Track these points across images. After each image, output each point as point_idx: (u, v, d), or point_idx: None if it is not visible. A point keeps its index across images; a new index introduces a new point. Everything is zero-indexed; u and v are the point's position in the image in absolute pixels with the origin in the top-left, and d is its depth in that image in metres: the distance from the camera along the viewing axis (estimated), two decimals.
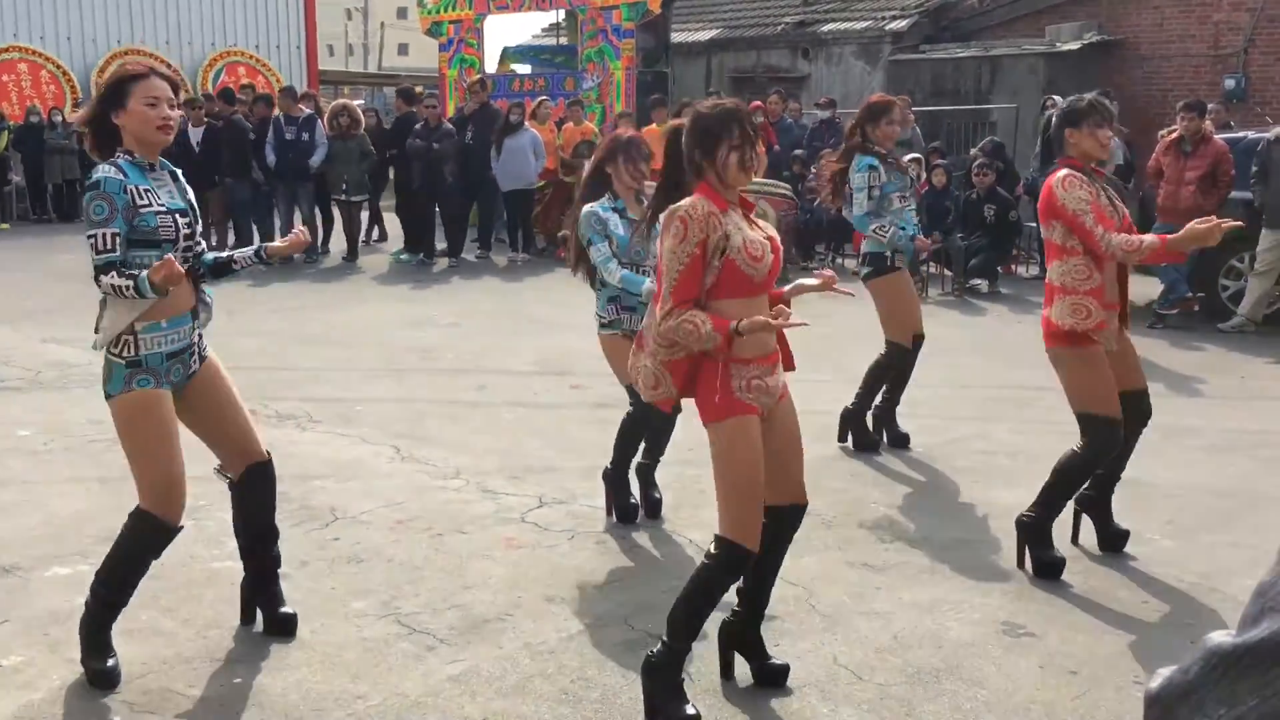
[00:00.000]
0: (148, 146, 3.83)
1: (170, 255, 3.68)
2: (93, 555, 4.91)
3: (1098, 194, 4.67)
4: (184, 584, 4.63)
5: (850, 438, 6.57)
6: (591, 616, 4.40)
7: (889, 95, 6.88)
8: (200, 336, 4.01)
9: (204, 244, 4.07)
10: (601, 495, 5.49)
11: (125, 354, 3.78)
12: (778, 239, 3.71)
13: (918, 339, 6.60)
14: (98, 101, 3.86)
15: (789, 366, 3.79)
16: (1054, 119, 4.85)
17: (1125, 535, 5.06)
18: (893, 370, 6.56)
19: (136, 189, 3.74)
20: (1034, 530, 4.85)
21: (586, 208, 5.13)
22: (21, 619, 4.33)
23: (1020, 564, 4.87)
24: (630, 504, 5.38)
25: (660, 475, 5.58)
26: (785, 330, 3.64)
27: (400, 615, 4.38)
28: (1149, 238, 4.61)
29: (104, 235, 3.69)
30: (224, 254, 4.16)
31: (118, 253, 3.71)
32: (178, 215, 3.82)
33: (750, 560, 3.60)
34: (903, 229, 6.40)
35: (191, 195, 4.01)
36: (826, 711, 3.73)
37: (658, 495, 5.51)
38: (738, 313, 3.49)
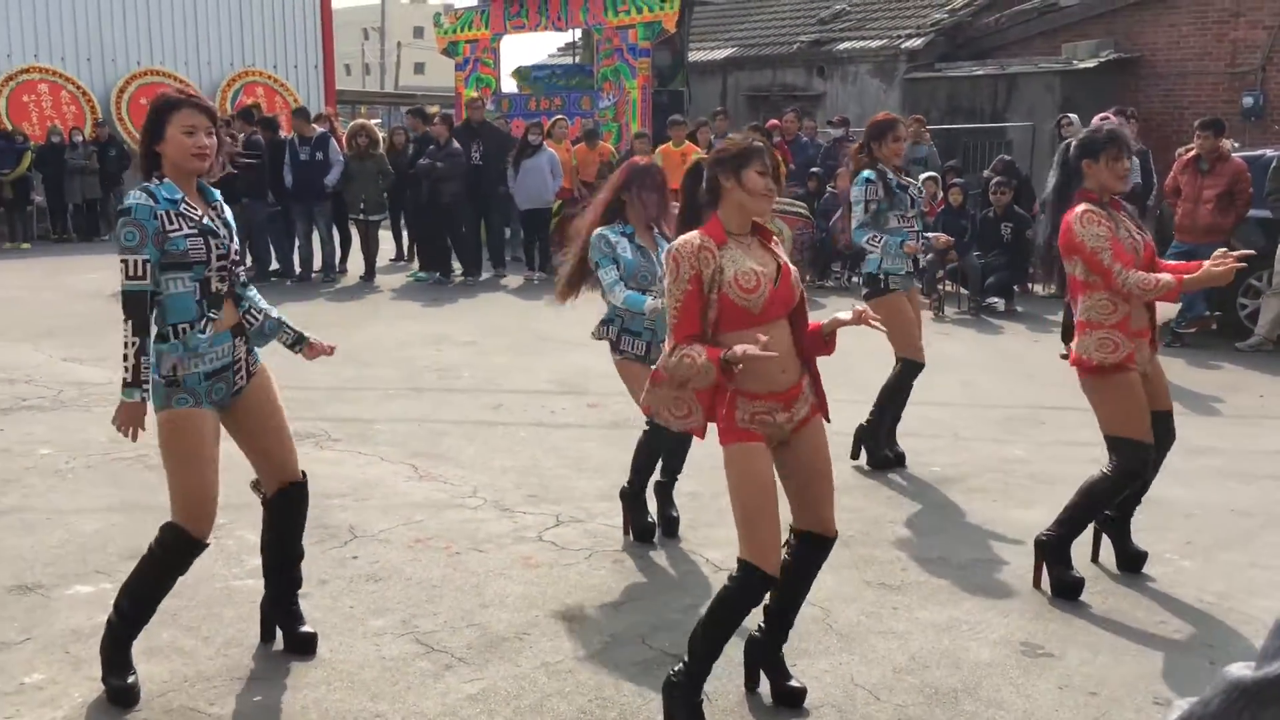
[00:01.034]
0: (184, 174, 3.90)
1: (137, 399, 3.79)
2: (114, 573, 4.95)
3: (1116, 227, 4.67)
4: (204, 602, 4.65)
5: (864, 455, 6.57)
6: (609, 635, 4.41)
7: (894, 114, 6.92)
8: (250, 352, 4.08)
9: (242, 264, 4.13)
10: (618, 514, 5.51)
11: (164, 373, 3.84)
12: (789, 266, 3.71)
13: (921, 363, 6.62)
14: (143, 132, 3.95)
15: (824, 416, 3.79)
16: (1071, 149, 4.83)
17: (1143, 556, 5.04)
18: (906, 388, 6.56)
19: (167, 214, 3.81)
20: (1054, 550, 4.84)
21: (597, 231, 5.18)
22: (44, 637, 4.36)
23: (1037, 584, 4.87)
24: (647, 523, 5.39)
25: (678, 494, 5.59)
26: (820, 375, 3.70)
27: (419, 634, 4.40)
28: (1165, 278, 4.57)
29: (134, 262, 3.77)
30: (280, 320, 4.31)
31: (148, 280, 3.79)
32: (209, 237, 3.87)
33: (769, 584, 3.62)
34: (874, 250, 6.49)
35: (230, 216, 4.06)
36: None
37: (675, 514, 5.52)
38: (747, 367, 3.50)
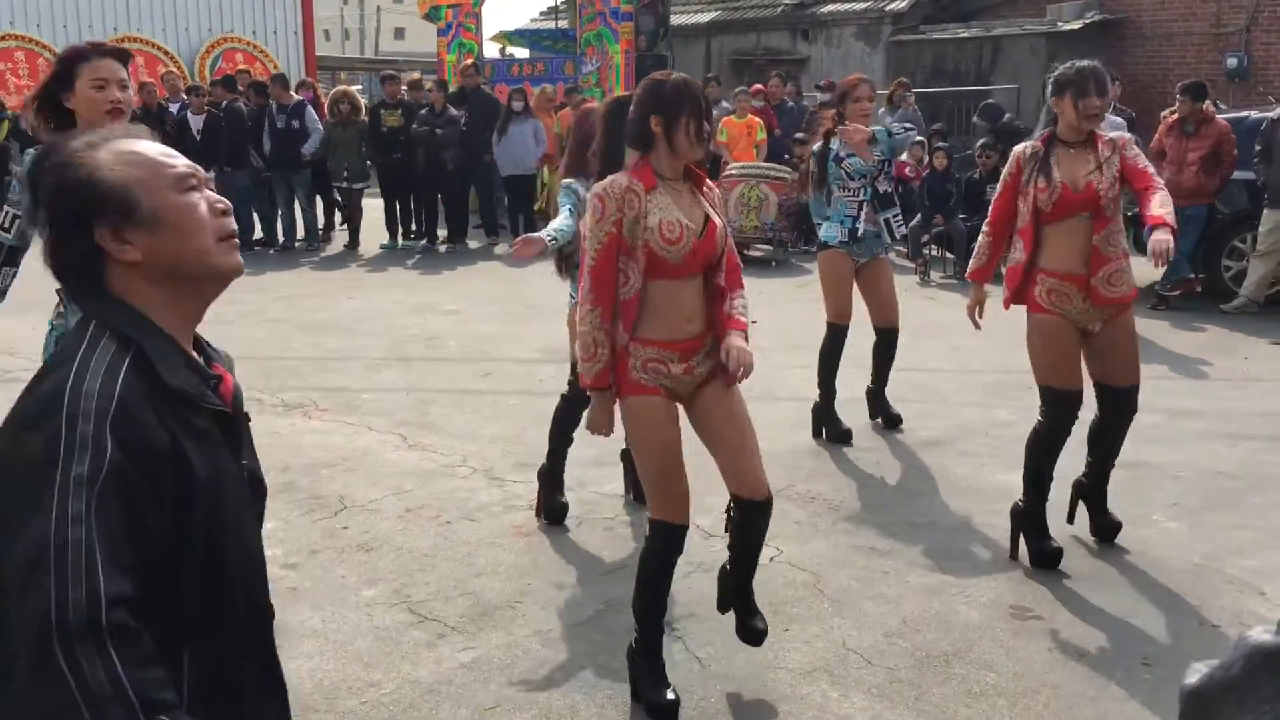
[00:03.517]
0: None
1: None
2: None
3: (1035, 172, 4.63)
4: None
5: (823, 432, 6.52)
6: (601, 602, 4.43)
7: (860, 75, 6.93)
8: None
9: None
10: (609, 481, 5.51)
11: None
12: (717, 221, 3.60)
13: (883, 331, 6.64)
14: (46, 82, 3.67)
15: (728, 382, 3.63)
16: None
17: (1118, 527, 4.99)
18: (835, 352, 6.54)
19: None
20: (1028, 519, 4.82)
21: (564, 181, 5.13)
22: None
23: (1013, 555, 4.84)
24: (561, 503, 5.29)
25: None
26: (732, 332, 3.58)
27: (411, 603, 4.41)
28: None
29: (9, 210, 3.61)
30: None
31: (12, 235, 3.67)
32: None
33: (682, 535, 3.64)
34: (828, 218, 6.59)
35: None
36: (837, 696, 3.75)
37: None
38: (660, 296, 3.50)
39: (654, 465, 3.59)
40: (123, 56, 3.69)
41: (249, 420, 1.88)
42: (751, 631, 3.88)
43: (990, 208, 4.96)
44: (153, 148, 1.76)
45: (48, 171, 1.71)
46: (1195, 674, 1.03)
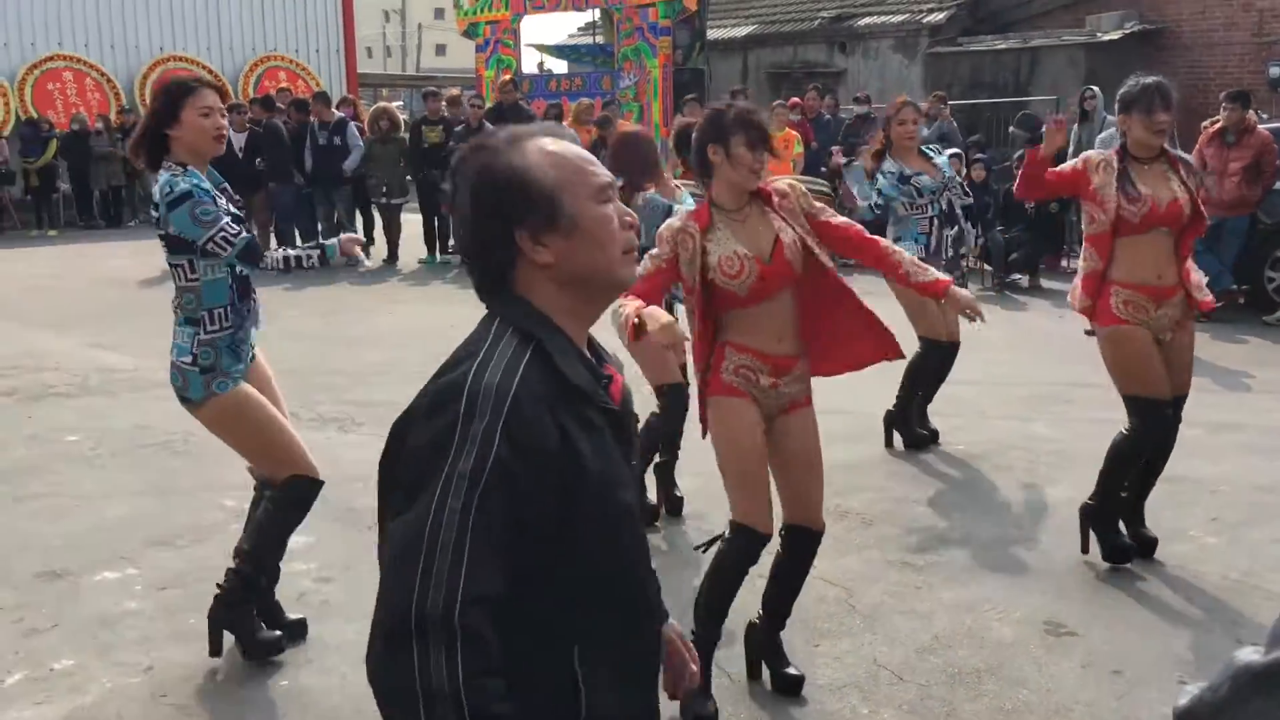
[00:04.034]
0: (201, 157, 3.92)
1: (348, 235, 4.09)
2: (141, 560, 5.01)
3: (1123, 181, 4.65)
4: None
5: (899, 439, 6.54)
6: None
7: (904, 98, 6.91)
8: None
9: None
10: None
11: (203, 362, 3.91)
12: (785, 238, 3.57)
13: (950, 343, 6.58)
14: (151, 115, 3.94)
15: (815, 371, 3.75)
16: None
17: (1155, 542, 4.97)
18: (929, 368, 6.54)
19: (213, 199, 3.86)
20: (1098, 516, 4.86)
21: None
22: (71, 623, 4.41)
23: (1085, 549, 4.88)
24: (649, 505, 5.38)
25: (684, 473, 5.57)
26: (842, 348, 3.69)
27: None
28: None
29: (228, 227, 3.81)
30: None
31: (246, 233, 3.87)
32: (239, 224, 3.94)
33: (763, 543, 3.64)
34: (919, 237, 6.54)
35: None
36: (867, 712, 3.73)
37: (679, 493, 5.53)
38: (745, 322, 3.57)
39: (738, 465, 3.60)
40: (218, 89, 4.00)
41: (637, 421, 1.88)
42: (789, 681, 3.86)
43: (1054, 169, 4.87)
44: (577, 151, 1.77)
45: (477, 165, 1.73)
46: (1186, 695, 1.02)
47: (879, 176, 6.54)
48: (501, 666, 1.55)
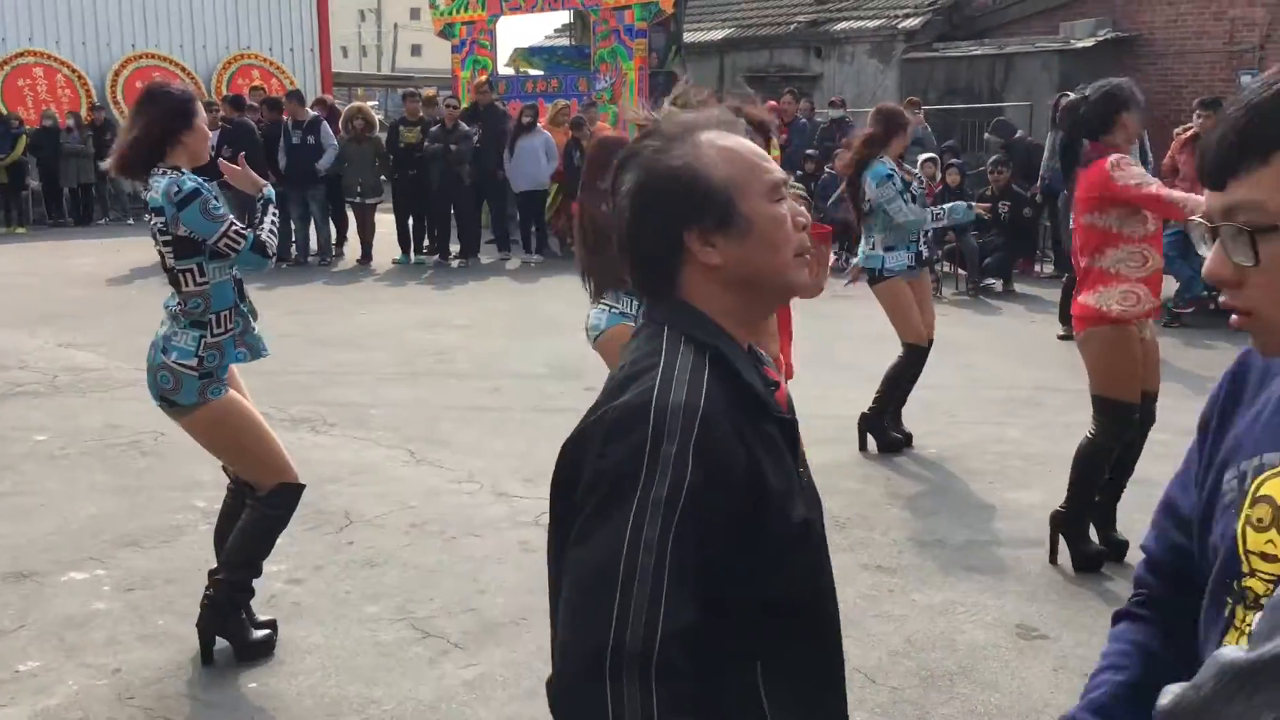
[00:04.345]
0: (198, 161, 3.98)
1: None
2: (109, 560, 4.95)
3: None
4: (198, 589, 4.64)
5: (872, 442, 6.54)
6: None
7: (895, 104, 6.88)
8: None
9: None
10: None
11: (203, 366, 3.89)
12: None
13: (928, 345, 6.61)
14: (157, 121, 3.87)
15: (788, 375, 3.78)
16: (1098, 102, 4.74)
17: (1125, 545, 4.97)
18: (910, 373, 6.55)
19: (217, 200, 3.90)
20: (1068, 523, 4.87)
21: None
22: (38, 624, 4.36)
23: (1053, 559, 4.89)
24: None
25: None
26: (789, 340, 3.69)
27: (414, 619, 4.40)
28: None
29: (236, 224, 3.86)
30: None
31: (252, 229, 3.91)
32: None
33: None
34: (910, 245, 6.53)
35: None
36: None
37: None
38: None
39: None
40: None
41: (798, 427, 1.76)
42: None
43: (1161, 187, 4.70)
44: (749, 146, 1.64)
45: (644, 161, 1.61)
46: (1168, 695, 1.01)
47: (891, 182, 6.38)
48: (696, 702, 1.45)
